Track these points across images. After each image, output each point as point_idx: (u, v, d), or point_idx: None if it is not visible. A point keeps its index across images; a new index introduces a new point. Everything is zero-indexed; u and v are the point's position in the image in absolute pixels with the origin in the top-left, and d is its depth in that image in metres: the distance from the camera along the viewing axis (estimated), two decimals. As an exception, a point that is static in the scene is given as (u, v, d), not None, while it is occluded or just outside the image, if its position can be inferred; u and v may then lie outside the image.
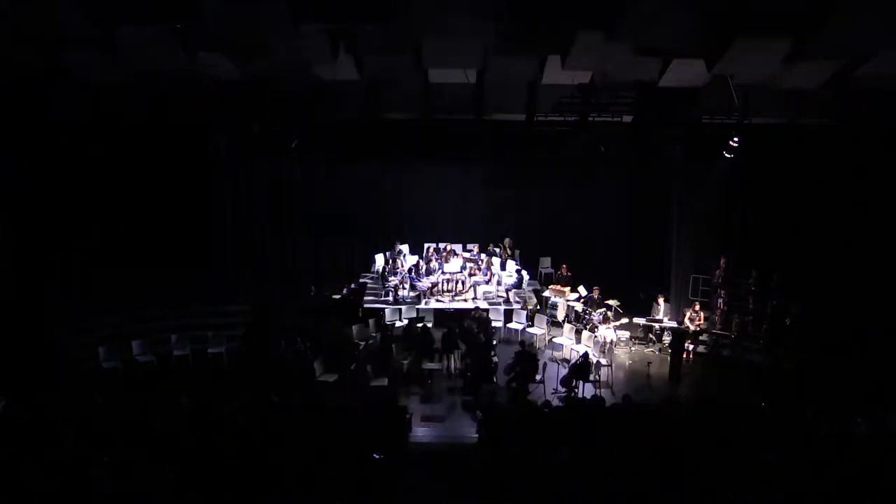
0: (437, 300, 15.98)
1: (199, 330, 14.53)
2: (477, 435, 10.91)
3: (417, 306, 15.51)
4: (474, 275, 16.54)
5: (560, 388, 12.62)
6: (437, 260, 17.09)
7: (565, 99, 12.19)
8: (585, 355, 12.71)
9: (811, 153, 14.83)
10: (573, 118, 12.55)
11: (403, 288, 15.96)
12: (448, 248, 17.58)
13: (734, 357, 14.11)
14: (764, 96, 12.95)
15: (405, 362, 13.36)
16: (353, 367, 13.15)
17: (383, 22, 8.45)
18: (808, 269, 15.46)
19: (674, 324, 14.05)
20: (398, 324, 14.92)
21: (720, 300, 14.87)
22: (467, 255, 17.61)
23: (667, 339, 14.73)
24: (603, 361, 13.37)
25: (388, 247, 18.20)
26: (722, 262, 15.51)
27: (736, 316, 14.29)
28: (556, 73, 11.27)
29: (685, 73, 10.85)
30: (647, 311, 15.33)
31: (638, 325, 15.15)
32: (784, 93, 12.61)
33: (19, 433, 8.50)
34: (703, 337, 14.50)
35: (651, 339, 15.06)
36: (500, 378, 12.88)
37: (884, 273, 15.13)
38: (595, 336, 14.12)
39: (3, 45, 9.39)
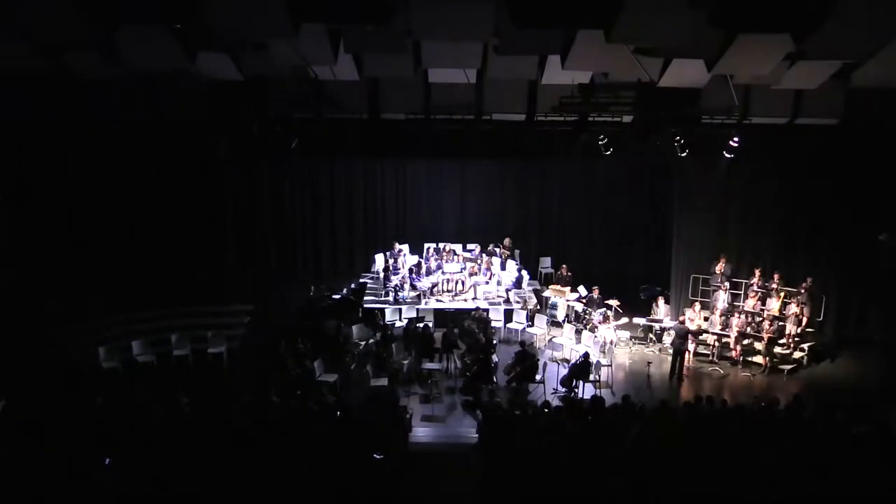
0: (437, 300, 15.98)
1: (199, 330, 14.53)
2: (477, 435, 10.92)
3: (417, 306, 15.50)
4: (474, 275, 16.54)
5: (560, 388, 12.63)
6: (437, 260, 17.09)
7: (565, 99, 12.18)
8: (586, 355, 12.70)
9: (811, 153, 14.86)
10: (573, 118, 12.54)
11: (403, 288, 15.95)
12: (448, 248, 17.57)
13: (735, 357, 14.10)
14: (764, 96, 12.97)
15: (405, 362, 13.37)
16: (352, 367, 13.19)
17: (383, 22, 8.44)
18: (808, 269, 15.49)
19: (674, 324, 14.04)
20: (398, 324, 14.92)
21: (720, 300, 14.86)
22: (467, 255, 17.60)
23: (667, 339, 14.73)
24: (603, 361, 13.37)
25: (388, 247, 18.21)
26: (722, 261, 15.52)
27: (736, 315, 14.29)
28: (556, 73, 11.28)
29: (685, 73, 10.86)
30: (647, 311, 15.33)
31: (638, 325, 15.14)
32: (784, 93, 12.66)
33: (19, 433, 8.50)
34: (703, 337, 14.49)
35: (651, 339, 15.05)
36: (500, 378, 12.88)
37: (884, 273, 15.16)
38: (595, 336, 14.12)
39: (4, 45, 9.38)
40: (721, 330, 14.22)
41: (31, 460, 7.57)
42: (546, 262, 18.73)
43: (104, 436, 8.39)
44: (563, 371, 12.97)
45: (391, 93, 13.32)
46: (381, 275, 16.84)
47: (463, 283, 16.41)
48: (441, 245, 17.86)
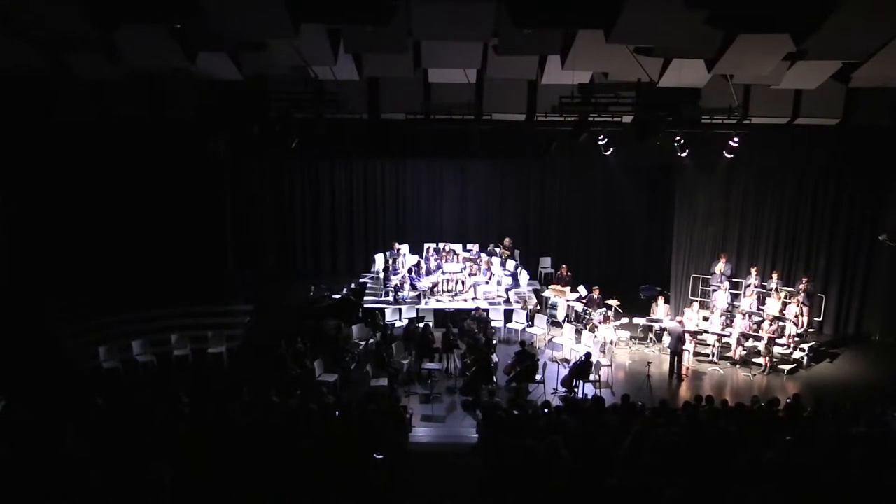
0: (437, 300, 15.98)
1: (199, 330, 14.53)
2: (477, 435, 10.92)
3: (417, 306, 15.51)
4: (474, 275, 16.55)
5: (560, 388, 12.63)
6: (436, 260, 17.09)
7: (565, 99, 12.19)
8: (588, 356, 12.69)
9: (811, 153, 14.85)
10: (573, 118, 12.55)
11: (403, 288, 15.95)
12: (448, 248, 17.58)
13: (735, 357, 14.10)
14: (764, 96, 12.98)
15: (405, 362, 13.37)
16: (352, 367, 13.18)
17: (383, 22, 8.44)
18: (807, 269, 15.50)
19: (673, 324, 14.04)
20: (398, 324, 14.92)
21: (720, 300, 14.86)
22: (467, 255, 17.61)
23: (667, 339, 14.72)
24: (603, 361, 13.37)
25: (388, 247, 18.21)
26: (722, 261, 15.52)
27: (737, 316, 14.29)
28: (556, 73, 11.28)
29: (685, 73, 10.87)
30: (647, 311, 15.32)
31: (638, 325, 15.14)
32: (784, 93, 12.67)
33: (19, 433, 8.49)
34: (703, 337, 14.49)
35: (651, 339, 15.05)
36: (500, 378, 12.88)
37: (884, 273, 15.16)
38: (595, 336, 14.11)
39: (4, 43, 9.39)
40: (722, 330, 14.21)
41: (30, 460, 7.56)
42: (546, 262, 18.74)
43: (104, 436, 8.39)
44: (564, 371, 12.97)
45: (391, 93, 13.33)
46: (381, 275, 16.84)
47: (463, 283, 16.42)
48: (441, 245, 17.87)
